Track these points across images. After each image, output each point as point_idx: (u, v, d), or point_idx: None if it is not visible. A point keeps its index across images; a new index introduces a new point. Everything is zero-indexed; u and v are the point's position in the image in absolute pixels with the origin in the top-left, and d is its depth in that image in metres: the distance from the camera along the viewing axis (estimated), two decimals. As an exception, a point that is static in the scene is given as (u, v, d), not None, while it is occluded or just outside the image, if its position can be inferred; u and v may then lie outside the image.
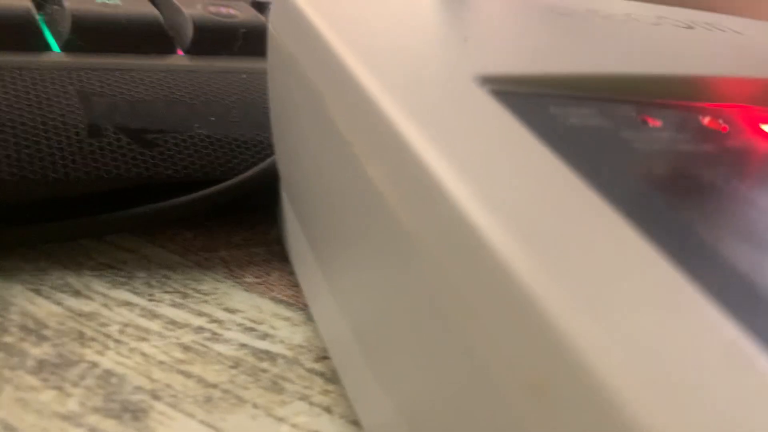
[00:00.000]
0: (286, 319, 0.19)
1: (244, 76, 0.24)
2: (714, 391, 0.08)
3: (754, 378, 0.08)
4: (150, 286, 0.20)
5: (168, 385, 0.16)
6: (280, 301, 0.20)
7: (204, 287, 0.20)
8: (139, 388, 0.16)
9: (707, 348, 0.08)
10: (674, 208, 0.12)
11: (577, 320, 0.09)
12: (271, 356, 0.18)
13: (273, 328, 0.19)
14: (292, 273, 0.20)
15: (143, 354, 0.17)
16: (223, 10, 0.26)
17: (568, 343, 0.08)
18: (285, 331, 0.19)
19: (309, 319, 0.19)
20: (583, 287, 0.09)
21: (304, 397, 0.17)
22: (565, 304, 0.09)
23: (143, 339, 0.18)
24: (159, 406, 0.16)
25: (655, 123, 0.14)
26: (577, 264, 0.09)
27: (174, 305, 0.19)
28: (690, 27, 0.20)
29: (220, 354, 0.18)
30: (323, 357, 0.18)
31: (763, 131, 0.16)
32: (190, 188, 0.21)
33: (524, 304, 0.09)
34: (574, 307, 0.09)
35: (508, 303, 0.09)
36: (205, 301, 0.19)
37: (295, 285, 0.20)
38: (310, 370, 0.17)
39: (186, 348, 0.18)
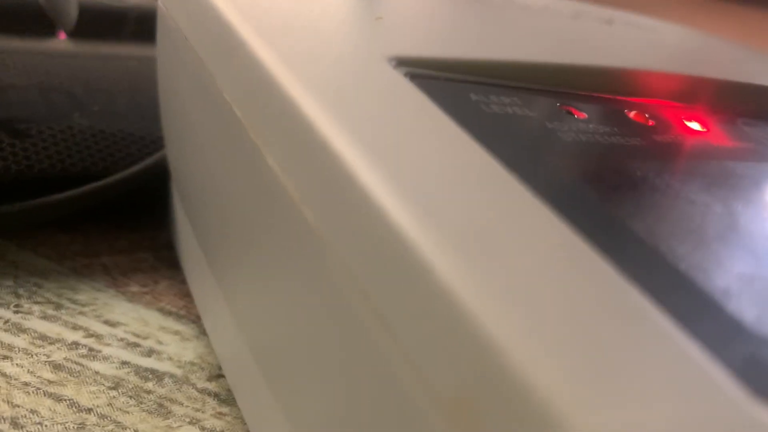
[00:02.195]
0: (176, 332, 0.17)
1: (135, 62, 0.21)
2: (658, 410, 0.07)
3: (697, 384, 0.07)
4: (17, 295, 0.17)
5: (33, 411, 0.14)
6: (169, 313, 0.17)
7: (81, 297, 0.17)
8: (-5, 416, 0.14)
9: (649, 357, 0.07)
10: (605, 202, 0.11)
11: (508, 328, 0.07)
12: (157, 375, 0.16)
13: (160, 343, 0.16)
14: (183, 281, 0.18)
15: (4, 375, 0.15)
16: (113, -8, 0.24)
17: (498, 354, 0.07)
18: (174, 346, 0.16)
19: (202, 332, 0.17)
20: (515, 292, 0.08)
21: (194, 421, 0.15)
22: (493, 309, 0.08)
23: (5, 357, 0.15)
24: (19, 436, 0.13)
25: (581, 115, 0.13)
26: (505, 265, 0.08)
27: (45, 317, 0.16)
28: (609, 23, 0.20)
29: (97, 373, 0.15)
30: (217, 375, 0.16)
31: (687, 127, 0.15)
32: (68, 185, 0.18)
33: (446, 309, 0.08)
34: (503, 313, 0.08)
35: (427, 308, 0.08)
36: (82, 313, 0.17)
37: (187, 295, 0.18)
38: (202, 391, 0.15)
39: (57, 367, 0.15)
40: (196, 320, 0.17)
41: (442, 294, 0.08)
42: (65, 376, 0.15)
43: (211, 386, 0.16)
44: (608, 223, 0.10)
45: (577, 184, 0.11)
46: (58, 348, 0.16)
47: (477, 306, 0.08)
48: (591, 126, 0.13)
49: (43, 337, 0.16)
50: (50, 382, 0.15)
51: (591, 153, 0.12)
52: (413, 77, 0.12)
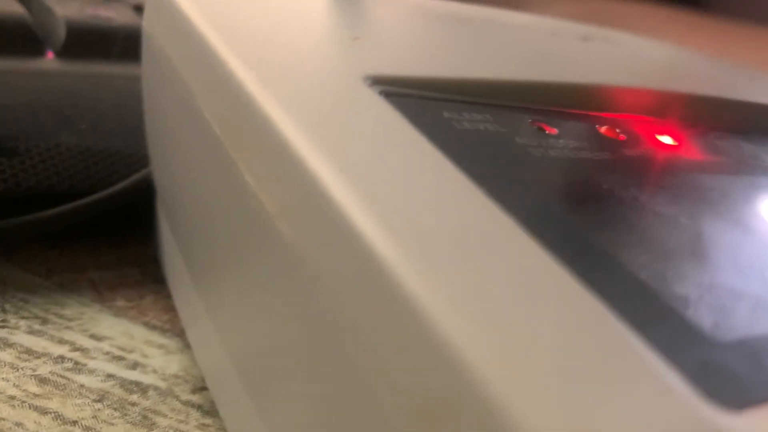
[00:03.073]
0: (161, 346, 0.17)
1: (122, 81, 0.22)
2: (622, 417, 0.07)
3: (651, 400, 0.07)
4: (4, 310, 0.17)
5: (18, 424, 0.14)
6: (155, 327, 0.18)
7: (68, 312, 0.18)
8: (-19, 429, 0.14)
9: (613, 369, 0.08)
10: (572, 216, 0.11)
11: (473, 338, 0.08)
12: (142, 388, 0.16)
13: (145, 356, 0.17)
14: (168, 296, 0.19)
15: (-10, 389, 0.15)
16: (101, 12, 0.24)
17: (463, 364, 0.08)
18: (159, 359, 0.17)
19: (186, 346, 0.17)
20: (480, 303, 0.08)
21: (177, 433, 0.15)
22: (459, 320, 0.08)
23: (-9, 372, 0.15)
24: (4, 449, 0.14)
25: (552, 130, 0.14)
26: (473, 279, 0.09)
27: (31, 332, 0.17)
28: (585, 40, 0.20)
29: (82, 386, 0.16)
30: (201, 388, 0.16)
31: (658, 141, 0.15)
32: (55, 202, 0.19)
33: (414, 321, 0.08)
34: (468, 324, 0.08)
35: (396, 319, 0.08)
36: (69, 327, 0.17)
37: (172, 309, 0.18)
38: (186, 403, 0.16)
39: (43, 380, 0.15)
40: (180, 334, 0.18)
41: (412, 306, 0.08)
42: (51, 389, 0.15)
43: (195, 398, 0.16)
44: (571, 235, 0.10)
45: (542, 198, 0.11)
46: (44, 362, 0.16)
47: (444, 318, 0.08)
48: (561, 141, 0.13)
49: (30, 352, 0.16)
50: (36, 395, 0.15)
51: (558, 167, 0.12)
52: (388, 95, 0.13)
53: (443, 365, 0.08)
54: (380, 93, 0.13)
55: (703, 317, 0.09)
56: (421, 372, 0.08)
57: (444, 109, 0.13)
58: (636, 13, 0.51)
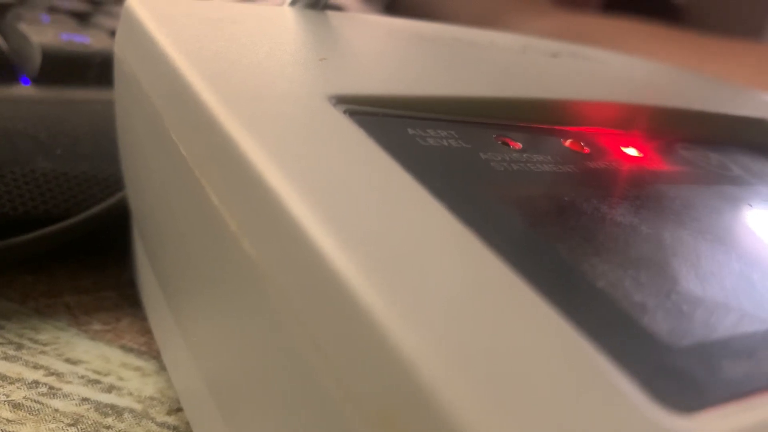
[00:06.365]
0: (137, 369, 0.17)
1: (98, 106, 0.22)
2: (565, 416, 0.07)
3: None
4: (-21, 337, 0.17)
5: (-9, 451, 0.14)
6: (131, 350, 0.18)
7: (43, 336, 0.18)
8: (-47, 457, 0.14)
9: (566, 377, 0.08)
10: (533, 228, 0.11)
11: (425, 348, 0.08)
12: (117, 411, 0.16)
13: (121, 379, 0.17)
14: (145, 319, 0.19)
15: (-37, 416, 0.15)
16: (77, 38, 0.24)
17: (416, 375, 0.08)
18: (135, 382, 0.17)
19: (163, 368, 0.17)
20: (437, 316, 0.08)
21: (152, 455, 0.15)
22: (413, 332, 0.08)
23: (-35, 399, 0.15)
24: (-24, 475, 0.14)
25: (516, 145, 0.14)
26: (425, 290, 0.09)
27: (5, 358, 0.17)
28: (555, 56, 0.20)
29: (57, 411, 0.15)
30: (177, 409, 0.16)
31: (623, 153, 0.16)
32: (31, 227, 0.19)
33: (371, 333, 0.08)
34: (422, 334, 0.08)
35: (353, 331, 0.09)
36: (44, 352, 0.17)
37: (149, 331, 0.18)
38: (162, 424, 0.16)
39: (16, 406, 0.15)
40: (157, 356, 0.18)
41: (366, 318, 0.08)
42: (24, 414, 0.15)
43: (170, 420, 0.16)
44: (530, 247, 0.11)
45: (504, 211, 0.11)
46: (17, 387, 0.16)
47: (398, 330, 0.08)
48: (524, 155, 0.14)
49: (3, 378, 0.16)
50: (9, 421, 0.15)
51: (521, 181, 0.13)
52: (352, 114, 0.13)
53: (397, 374, 0.08)
54: (345, 112, 0.13)
55: (659, 323, 0.10)
56: (377, 380, 0.08)
57: (408, 127, 0.13)
58: (616, 28, 0.52)
